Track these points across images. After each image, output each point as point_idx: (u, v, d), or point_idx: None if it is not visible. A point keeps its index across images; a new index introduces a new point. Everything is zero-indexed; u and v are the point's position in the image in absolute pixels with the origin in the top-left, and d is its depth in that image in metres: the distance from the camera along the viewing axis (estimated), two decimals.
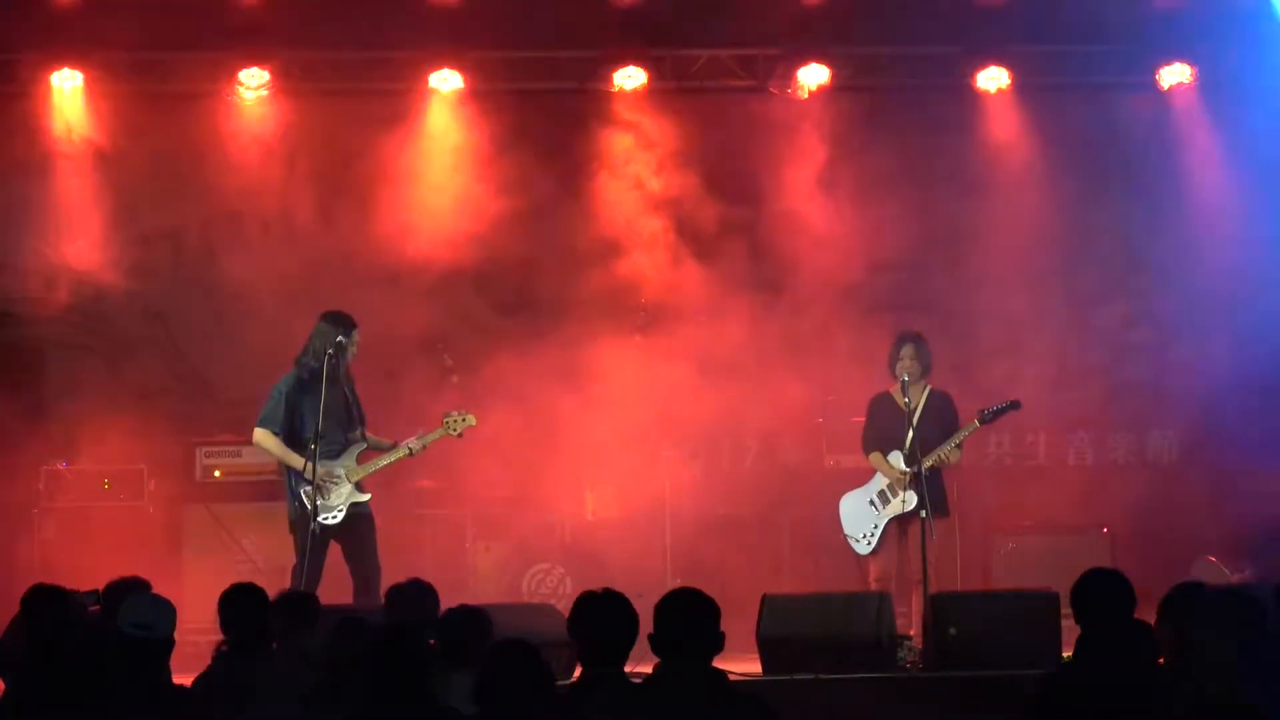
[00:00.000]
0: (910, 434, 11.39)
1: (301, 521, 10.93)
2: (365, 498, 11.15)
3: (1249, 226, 14.42)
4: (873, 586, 11.27)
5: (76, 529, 12.97)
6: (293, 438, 11.06)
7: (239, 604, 7.48)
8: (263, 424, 11.12)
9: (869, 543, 11.51)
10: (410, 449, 11.27)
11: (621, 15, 13.89)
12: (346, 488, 11.03)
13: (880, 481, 11.57)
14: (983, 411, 11.53)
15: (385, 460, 11.26)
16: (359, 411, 11.31)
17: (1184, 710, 4.38)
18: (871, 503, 11.56)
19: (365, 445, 11.22)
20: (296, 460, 10.96)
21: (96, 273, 14.09)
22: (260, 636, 7.38)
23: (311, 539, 10.80)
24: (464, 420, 11.30)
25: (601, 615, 5.98)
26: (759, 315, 13.98)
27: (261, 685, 6.96)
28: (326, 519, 10.91)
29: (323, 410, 10.83)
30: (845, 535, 11.67)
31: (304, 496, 10.91)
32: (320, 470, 10.89)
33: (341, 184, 14.49)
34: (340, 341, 11.07)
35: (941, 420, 11.54)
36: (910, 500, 11.33)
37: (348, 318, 11.32)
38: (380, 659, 5.84)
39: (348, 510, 11.01)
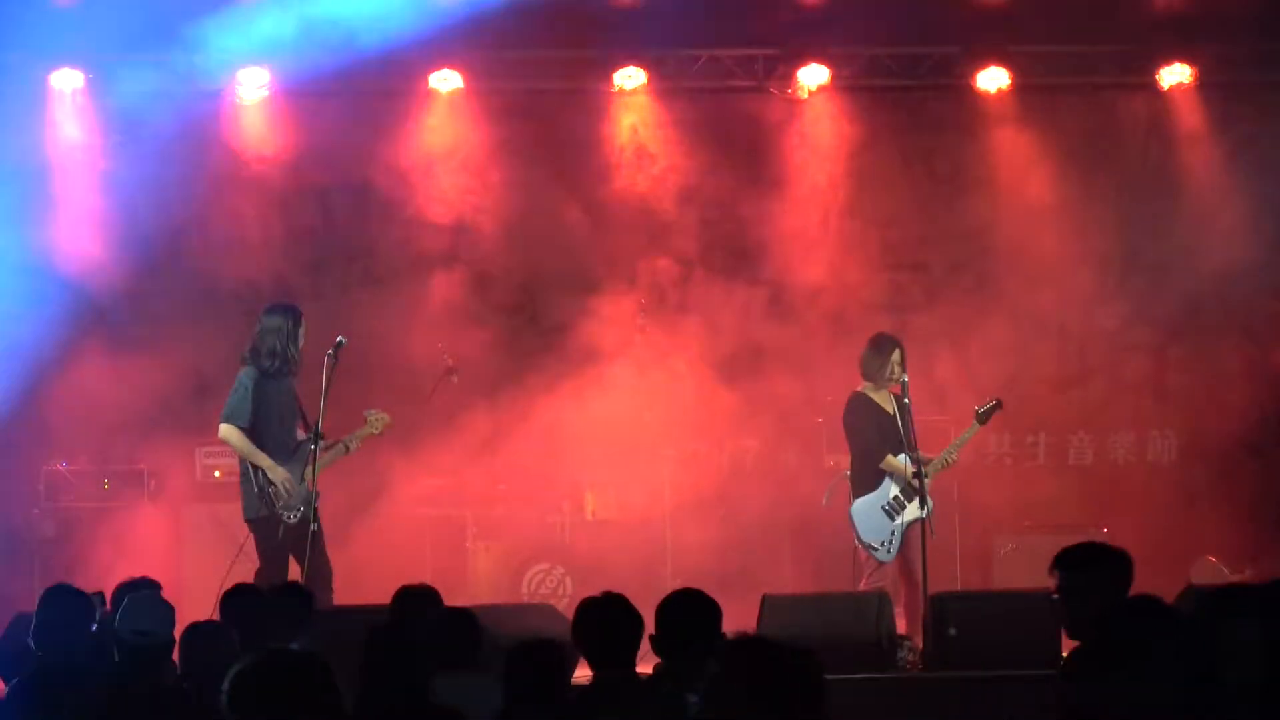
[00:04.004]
0: (901, 434, 11.42)
1: (269, 522, 10.82)
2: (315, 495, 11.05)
3: (1248, 226, 14.43)
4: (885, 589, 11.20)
5: (76, 529, 12.97)
6: (253, 434, 10.94)
7: (241, 605, 7.46)
8: (231, 419, 10.95)
9: (889, 550, 11.45)
10: (348, 446, 11.06)
11: (622, 15, 13.89)
12: (303, 488, 10.94)
13: (893, 486, 11.50)
14: (977, 412, 11.58)
15: (328, 459, 11.00)
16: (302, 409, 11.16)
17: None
18: (885, 509, 11.48)
19: (319, 444, 10.83)
20: (264, 459, 10.87)
21: (96, 272, 14.08)
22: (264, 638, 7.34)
23: (280, 539, 10.78)
24: (381, 419, 11.09)
25: (605, 618, 5.98)
26: (758, 315, 13.99)
27: None
28: (290, 518, 10.88)
29: (322, 409, 10.78)
30: (862, 543, 11.50)
31: (271, 496, 10.84)
32: (282, 473, 10.87)
33: (341, 183, 14.48)
34: (297, 334, 11.01)
35: (911, 422, 11.55)
36: (918, 505, 11.35)
37: (296, 307, 11.27)
38: (377, 659, 5.85)
39: (304, 511, 10.92)
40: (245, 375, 11.02)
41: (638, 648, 6.00)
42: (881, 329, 12.13)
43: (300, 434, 11.07)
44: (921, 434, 11.60)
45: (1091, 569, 5.91)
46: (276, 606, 7.72)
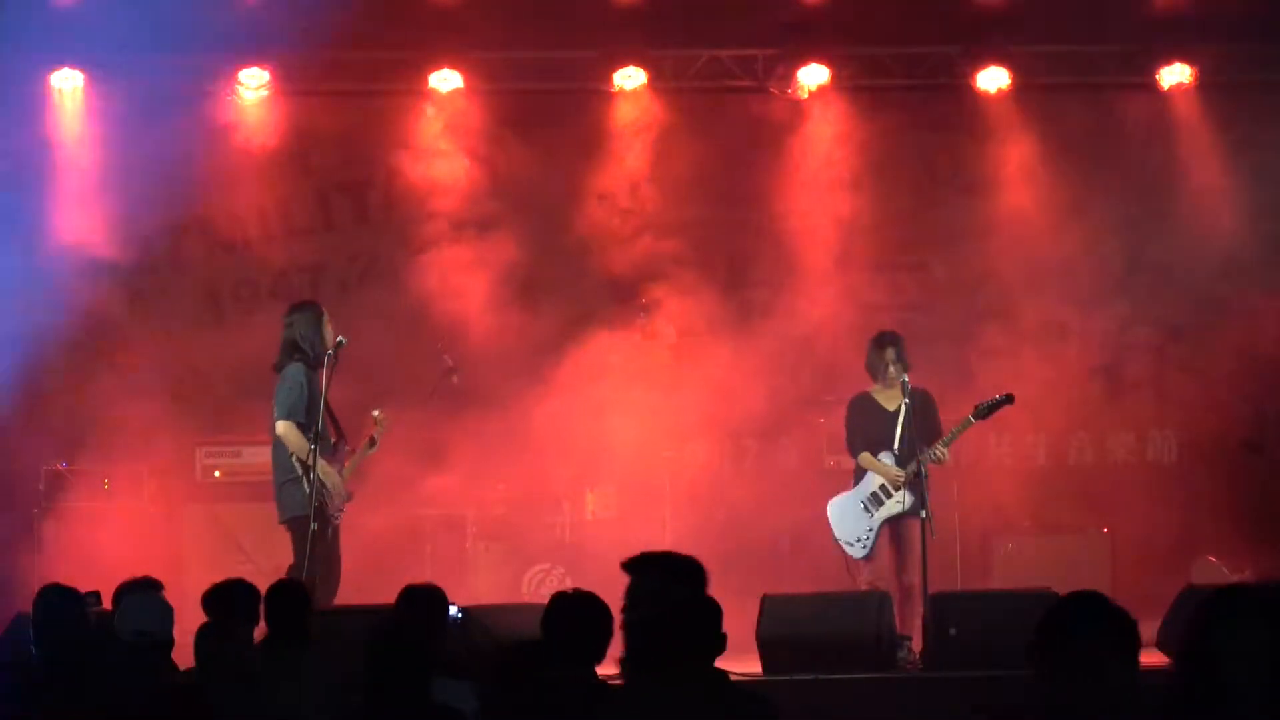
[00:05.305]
0: (899, 433, 11.38)
1: (314, 520, 10.62)
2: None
3: (1248, 226, 14.43)
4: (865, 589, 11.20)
5: (76, 529, 12.96)
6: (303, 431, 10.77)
7: (281, 602, 7.39)
8: (291, 415, 10.72)
9: (864, 546, 11.42)
10: (374, 440, 11.01)
11: (621, 15, 13.89)
12: (343, 487, 10.96)
13: (872, 483, 11.45)
14: (978, 406, 11.46)
15: (359, 457, 11.02)
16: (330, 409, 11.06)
17: None
18: (863, 505, 11.45)
19: (318, 446, 10.63)
20: (318, 459, 10.64)
21: (96, 272, 14.09)
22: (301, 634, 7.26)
23: (314, 537, 10.65)
24: (383, 418, 11.04)
25: (575, 615, 6.00)
26: (759, 315, 13.99)
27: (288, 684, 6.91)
28: (337, 518, 10.84)
29: (324, 406, 10.75)
30: (836, 540, 11.53)
31: (324, 496, 10.65)
32: (335, 473, 10.81)
33: (341, 183, 14.49)
34: (320, 327, 10.98)
35: (925, 419, 11.45)
36: (906, 500, 11.29)
37: (317, 303, 11.26)
38: (380, 658, 5.84)
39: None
40: (296, 371, 10.81)
41: (605, 649, 6.02)
42: (882, 328, 12.12)
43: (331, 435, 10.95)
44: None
45: (650, 574, 5.96)
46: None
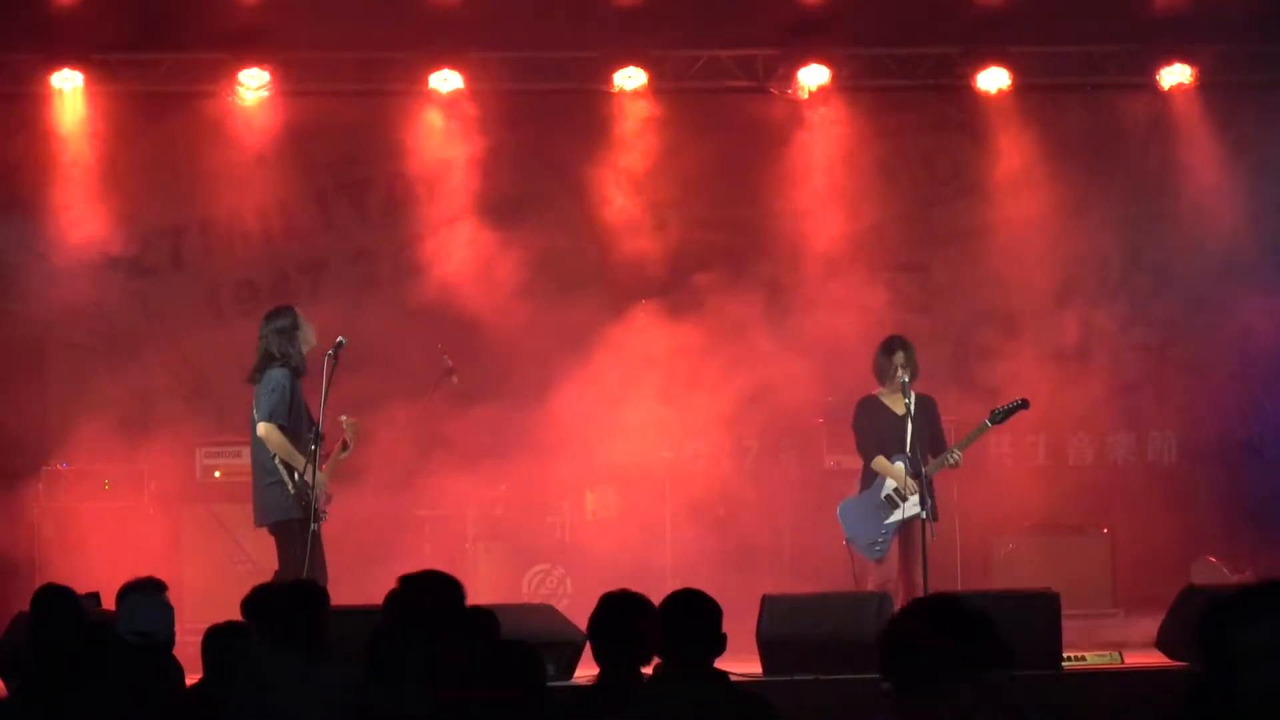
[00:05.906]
0: (909, 437, 11.38)
1: (302, 525, 10.63)
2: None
3: (1248, 226, 14.43)
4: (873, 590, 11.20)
5: (76, 529, 12.96)
6: (286, 434, 10.82)
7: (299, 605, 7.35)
8: (272, 417, 10.74)
9: (880, 549, 11.45)
10: (346, 445, 10.99)
11: (621, 15, 13.89)
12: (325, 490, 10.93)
13: (886, 486, 11.48)
14: (994, 412, 11.48)
15: (334, 460, 10.99)
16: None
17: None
18: (878, 508, 11.49)
19: (319, 446, 10.70)
20: (299, 459, 10.71)
21: (97, 272, 14.09)
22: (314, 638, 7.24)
23: (314, 539, 10.64)
24: (353, 425, 11.02)
25: (624, 617, 5.96)
26: (758, 315, 13.98)
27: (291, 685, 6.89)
28: (322, 519, 10.84)
29: (323, 409, 10.74)
30: (849, 542, 11.53)
31: (310, 499, 10.65)
32: (319, 475, 10.79)
33: (341, 183, 14.49)
34: (295, 334, 10.96)
35: (930, 424, 11.51)
36: (920, 504, 11.31)
37: (292, 308, 11.23)
38: (375, 654, 5.85)
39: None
40: (281, 375, 10.83)
41: (653, 649, 6.00)
42: (881, 330, 12.13)
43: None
44: None
45: (405, 589, 6.28)
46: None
